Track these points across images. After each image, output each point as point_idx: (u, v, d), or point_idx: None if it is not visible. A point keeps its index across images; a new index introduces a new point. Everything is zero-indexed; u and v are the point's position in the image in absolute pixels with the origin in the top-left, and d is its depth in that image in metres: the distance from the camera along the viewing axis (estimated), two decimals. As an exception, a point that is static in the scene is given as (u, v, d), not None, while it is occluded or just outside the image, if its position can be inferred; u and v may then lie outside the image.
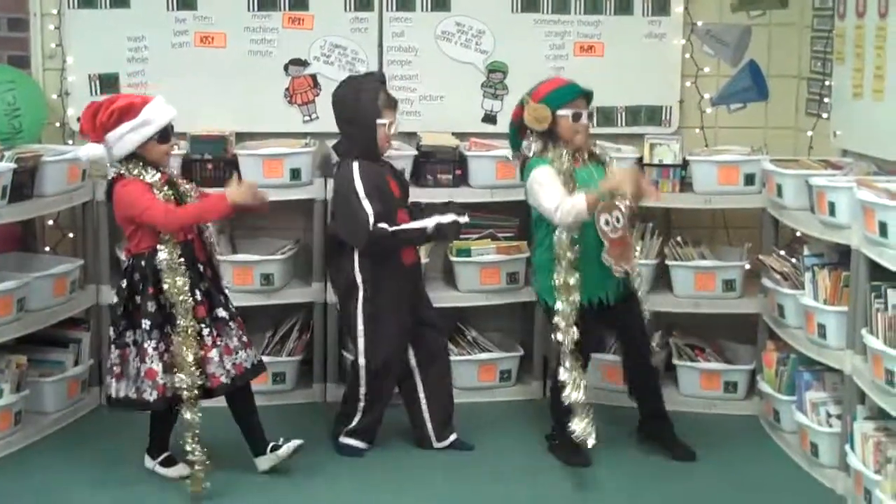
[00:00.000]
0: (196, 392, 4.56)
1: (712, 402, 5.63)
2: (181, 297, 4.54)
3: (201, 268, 4.68)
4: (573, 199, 4.72)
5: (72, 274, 5.42)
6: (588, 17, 5.89)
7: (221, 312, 4.68)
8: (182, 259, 4.57)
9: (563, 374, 4.84)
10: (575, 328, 4.80)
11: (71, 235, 5.79)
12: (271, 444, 4.85)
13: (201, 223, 4.68)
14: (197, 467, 4.62)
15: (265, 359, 5.51)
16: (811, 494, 4.80)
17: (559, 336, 4.82)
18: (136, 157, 4.61)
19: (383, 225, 4.85)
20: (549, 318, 4.94)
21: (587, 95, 4.95)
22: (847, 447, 4.58)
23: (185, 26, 5.75)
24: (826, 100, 5.62)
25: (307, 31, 5.80)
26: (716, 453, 5.14)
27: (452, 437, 5.19)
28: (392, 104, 5.01)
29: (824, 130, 5.64)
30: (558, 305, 4.82)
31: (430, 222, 4.93)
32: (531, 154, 4.91)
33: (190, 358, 4.54)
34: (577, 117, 4.86)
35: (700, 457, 5.09)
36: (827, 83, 5.61)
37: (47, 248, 5.79)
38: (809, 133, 5.78)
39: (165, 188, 4.60)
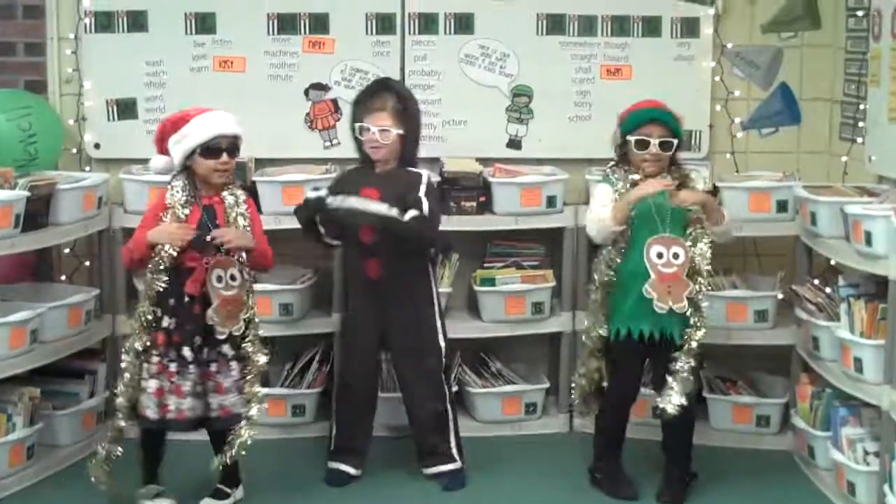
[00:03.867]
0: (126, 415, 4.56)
1: (744, 437, 5.47)
2: (142, 319, 4.50)
3: (187, 300, 4.53)
4: (602, 210, 4.66)
5: (87, 304, 5.30)
6: (615, 40, 5.77)
7: (187, 352, 4.52)
8: (166, 285, 4.49)
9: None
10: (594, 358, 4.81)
11: (87, 264, 5.68)
12: (215, 487, 4.76)
13: (132, 265, 4.66)
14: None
15: (283, 391, 5.51)
16: (848, 535, 4.65)
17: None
18: (189, 170, 4.58)
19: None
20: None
21: (662, 121, 4.71)
22: (885, 487, 4.40)
23: (204, 50, 5.66)
24: (860, 124, 5.47)
25: (328, 54, 5.70)
26: (748, 490, 4.99)
27: (437, 469, 5.04)
28: (373, 108, 4.89)
29: (859, 155, 5.49)
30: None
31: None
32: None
33: (126, 377, 4.53)
34: (642, 145, 4.68)
35: (732, 493, 4.96)
36: (861, 107, 5.46)
37: (63, 277, 5.69)
38: (844, 158, 5.62)
39: (186, 210, 4.53)
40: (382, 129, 4.86)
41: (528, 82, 5.78)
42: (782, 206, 5.38)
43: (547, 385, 5.69)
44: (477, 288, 5.58)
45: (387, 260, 4.86)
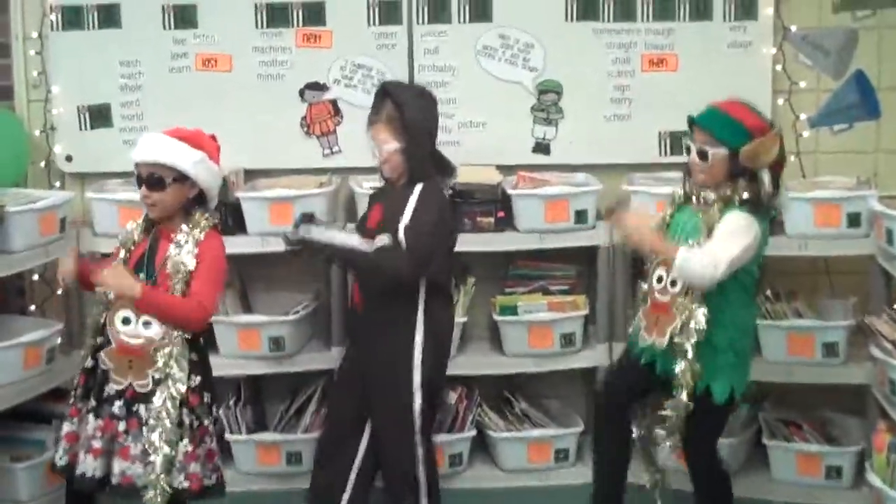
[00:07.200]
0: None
1: (812, 491, 4.79)
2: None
3: (100, 340, 3.95)
4: None
5: (48, 341, 4.71)
6: (658, 25, 5.13)
7: (91, 403, 3.93)
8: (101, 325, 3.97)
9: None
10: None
11: (60, 292, 5.08)
12: None
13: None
14: None
15: (277, 437, 4.96)
16: None
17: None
18: None
19: None
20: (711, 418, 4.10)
21: (701, 126, 4.08)
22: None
23: (185, 48, 5.15)
24: (949, 119, 4.75)
25: (325, 49, 5.15)
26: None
27: None
28: (371, 119, 4.32)
29: (947, 156, 4.78)
30: None
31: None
32: None
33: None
34: (687, 151, 4.14)
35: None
36: (951, 98, 4.75)
37: (33, 307, 5.15)
38: (929, 160, 4.89)
39: (132, 246, 3.97)
40: (379, 143, 4.30)
41: (557, 77, 5.18)
42: (854, 220, 4.68)
43: (581, 428, 5.04)
44: (497, 317, 4.94)
45: (365, 288, 4.32)
